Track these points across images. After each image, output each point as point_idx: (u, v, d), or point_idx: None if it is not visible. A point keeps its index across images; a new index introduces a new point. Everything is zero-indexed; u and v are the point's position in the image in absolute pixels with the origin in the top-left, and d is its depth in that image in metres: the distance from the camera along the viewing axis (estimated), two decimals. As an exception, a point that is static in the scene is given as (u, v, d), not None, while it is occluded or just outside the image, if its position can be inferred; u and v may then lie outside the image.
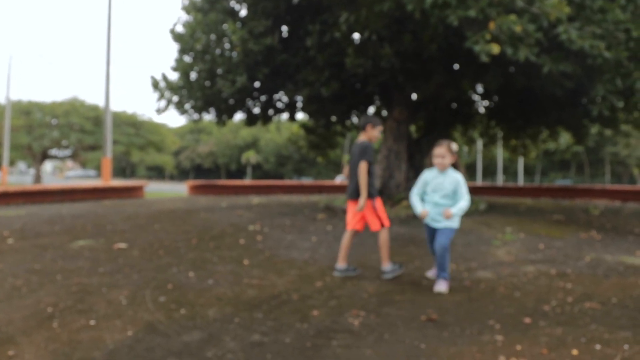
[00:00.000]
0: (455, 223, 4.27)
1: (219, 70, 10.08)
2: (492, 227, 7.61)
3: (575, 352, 2.85)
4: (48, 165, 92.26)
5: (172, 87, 10.86)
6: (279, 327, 3.29)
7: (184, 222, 8.10)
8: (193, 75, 10.59)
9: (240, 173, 66.47)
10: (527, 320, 3.43)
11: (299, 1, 9.59)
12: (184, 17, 11.17)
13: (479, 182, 39.45)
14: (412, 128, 13.14)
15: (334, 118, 12.47)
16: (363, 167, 4.55)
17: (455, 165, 4.37)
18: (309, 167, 61.46)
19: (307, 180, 48.12)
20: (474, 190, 17.40)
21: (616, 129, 11.05)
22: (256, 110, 11.91)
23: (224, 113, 11.44)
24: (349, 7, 7.67)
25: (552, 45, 6.86)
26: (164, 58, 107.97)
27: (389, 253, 4.69)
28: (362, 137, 4.83)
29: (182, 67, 10.57)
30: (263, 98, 11.57)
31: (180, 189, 29.58)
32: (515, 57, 6.26)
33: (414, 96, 11.06)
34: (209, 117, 11.81)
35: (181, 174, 71.90)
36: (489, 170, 51.87)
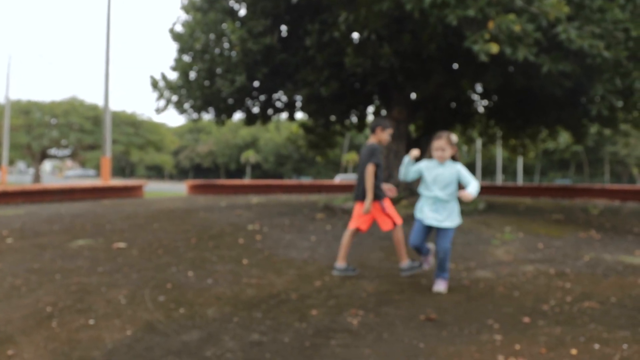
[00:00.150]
0: (456, 221, 4.18)
1: (218, 70, 10.08)
2: (491, 227, 7.62)
3: (574, 351, 2.86)
4: (47, 165, 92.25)
5: (171, 86, 10.86)
6: (278, 327, 3.29)
7: (183, 222, 8.10)
8: (192, 75, 10.59)
9: (239, 172, 66.48)
10: (526, 319, 3.44)
11: (298, 1, 9.59)
12: (183, 16, 11.17)
13: (478, 181, 39.38)
14: (412, 127, 13.14)
15: (333, 117, 12.47)
16: (370, 169, 4.55)
17: (454, 158, 4.23)
18: (308, 167, 61.47)
19: (306, 180, 48.20)
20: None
21: (615, 128, 11.06)
22: (255, 109, 11.91)
23: (223, 112, 11.43)
24: (348, 7, 7.67)
25: (551, 44, 6.87)
26: (163, 57, 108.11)
27: (405, 250, 4.66)
28: (371, 140, 4.82)
29: (181, 67, 10.57)
30: (262, 97, 11.57)
31: (179, 189, 29.59)
32: (514, 56, 6.26)
33: (413, 96, 11.07)
34: (208, 116, 11.81)
35: (180, 174, 71.91)
36: (488, 170, 51.93)
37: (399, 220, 4.66)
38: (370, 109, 13.40)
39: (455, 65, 9.78)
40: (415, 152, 4.20)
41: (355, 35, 9.02)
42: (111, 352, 2.86)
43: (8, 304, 3.74)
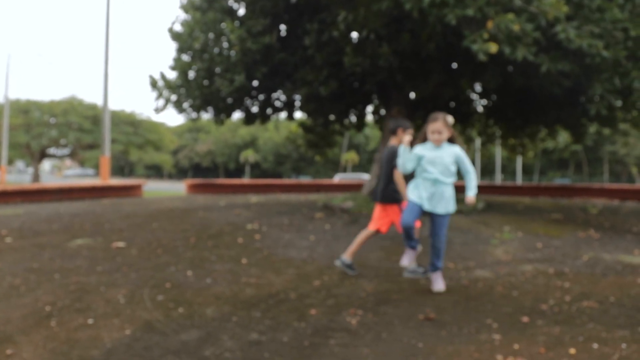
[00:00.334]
0: (453, 207, 4.02)
1: (217, 69, 10.08)
2: (490, 226, 7.62)
3: (572, 351, 2.86)
4: (46, 164, 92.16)
5: (170, 86, 10.85)
6: (277, 326, 3.30)
7: (182, 221, 8.09)
8: (191, 74, 10.58)
9: (238, 172, 66.47)
10: (525, 319, 3.44)
11: (297, 0, 9.59)
12: (183, 16, 11.16)
13: (478, 181, 39.41)
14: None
15: (332, 117, 12.47)
16: (397, 175, 4.57)
17: (452, 140, 4.02)
18: (307, 166, 61.46)
19: (305, 179, 48.18)
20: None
21: (614, 127, 11.06)
22: (254, 109, 11.90)
23: (222, 112, 11.43)
24: (347, 6, 7.66)
25: (550, 44, 6.87)
26: (163, 57, 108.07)
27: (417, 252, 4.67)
28: (392, 141, 4.79)
29: (180, 66, 10.56)
30: (261, 97, 11.57)
31: (178, 188, 29.58)
32: (513, 56, 6.26)
33: (412, 95, 11.06)
34: (207, 116, 11.81)
35: (179, 173, 71.87)
36: (488, 169, 51.96)
37: (416, 224, 4.66)
38: (369, 109, 13.42)
39: (455, 65, 9.79)
40: (407, 137, 3.98)
41: (354, 34, 9.02)
42: (110, 351, 2.86)
43: (7, 304, 3.74)
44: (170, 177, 73.61)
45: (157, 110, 11.70)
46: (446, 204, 3.97)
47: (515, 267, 5.13)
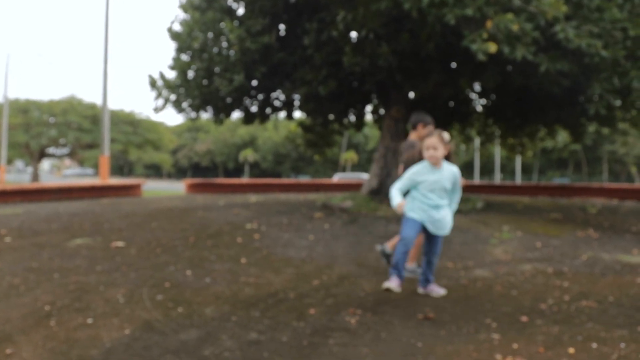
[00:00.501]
0: (451, 226, 4.03)
1: (217, 69, 10.07)
2: (490, 226, 7.62)
3: (571, 350, 2.86)
4: (46, 164, 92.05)
5: (169, 85, 10.84)
6: (276, 326, 3.30)
7: (181, 221, 8.09)
8: (190, 74, 10.57)
9: (237, 171, 66.47)
10: (524, 318, 3.44)
11: (296, 0, 9.58)
12: (182, 15, 11.15)
13: (477, 180, 39.55)
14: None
15: (331, 116, 12.47)
16: (401, 172, 4.54)
17: (448, 158, 3.96)
18: (307, 166, 61.47)
19: (304, 179, 48.19)
20: (471, 189, 17.43)
21: (613, 127, 11.07)
22: (254, 108, 11.90)
23: (222, 111, 11.42)
24: (347, 6, 7.66)
25: (550, 44, 6.88)
26: (162, 57, 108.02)
27: (417, 254, 4.68)
28: (412, 136, 4.74)
29: (179, 66, 10.55)
30: (260, 96, 11.56)
31: (177, 188, 29.57)
32: (513, 55, 6.27)
33: (412, 95, 11.06)
34: (206, 115, 11.80)
35: (179, 172, 71.84)
36: (487, 169, 51.97)
37: None
38: (369, 108, 13.42)
39: (454, 65, 9.79)
40: (401, 205, 3.87)
41: (354, 34, 9.02)
42: (109, 351, 2.86)
43: (6, 303, 3.74)
44: (170, 176, 73.60)
45: (157, 109, 11.70)
46: (448, 225, 3.97)
47: (515, 266, 5.14)
